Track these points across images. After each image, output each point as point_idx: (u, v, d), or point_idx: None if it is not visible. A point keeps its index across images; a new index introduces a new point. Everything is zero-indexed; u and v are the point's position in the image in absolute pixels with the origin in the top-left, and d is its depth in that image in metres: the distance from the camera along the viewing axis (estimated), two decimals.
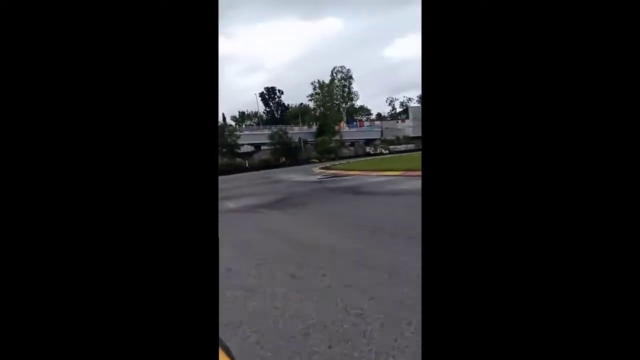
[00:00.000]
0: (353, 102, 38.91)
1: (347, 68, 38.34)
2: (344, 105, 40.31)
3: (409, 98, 57.54)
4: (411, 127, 38.65)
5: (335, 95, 37.99)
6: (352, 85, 38.95)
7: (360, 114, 46.90)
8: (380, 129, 39.18)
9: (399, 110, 54.76)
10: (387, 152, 33.62)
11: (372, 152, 34.07)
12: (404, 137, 37.20)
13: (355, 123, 40.06)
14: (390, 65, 67.89)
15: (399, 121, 42.04)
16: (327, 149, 30.76)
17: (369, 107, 50.17)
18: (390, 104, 58.09)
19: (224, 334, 1.22)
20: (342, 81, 39.83)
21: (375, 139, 37.39)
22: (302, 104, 42.45)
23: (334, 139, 32.49)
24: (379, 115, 53.61)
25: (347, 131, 36.04)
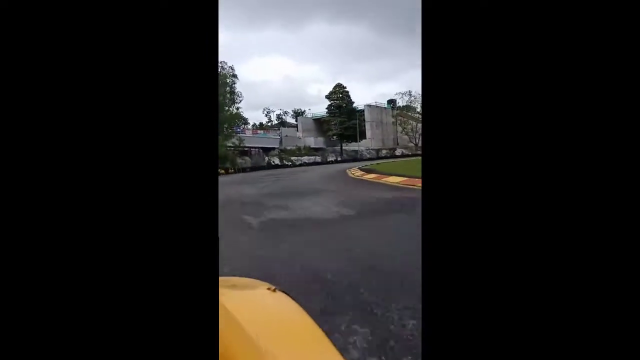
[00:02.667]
0: (238, 104, 31.84)
1: (229, 64, 30.83)
2: (226, 108, 32.64)
3: (285, 111, 56.15)
4: (313, 139, 35.57)
5: (223, 93, 29.89)
6: (235, 85, 31.87)
7: (236, 122, 40.25)
8: (279, 137, 33.81)
9: (275, 122, 52.13)
10: (290, 163, 28.74)
11: (275, 164, 28.20)
12: (305, 147, 33.45)
13: (239, 129, 33.14)
14: (247, 83, 65.59)
15: (298, 130, 38.08)
16: (221, 156, 22.70)
17: (245, 116, 44.52)
18: (267, 115, 54.63)
19: None
20: (225, 79, 32.19)
21: (274, 148, 31.74)
22: None
23: (229, 144, 24.65)
24: (260, 124, 48.98)
25: (245, 136, 28.81)
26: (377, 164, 18.19)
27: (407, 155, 33.30)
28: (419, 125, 39.68)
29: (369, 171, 11.76)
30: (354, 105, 36.38)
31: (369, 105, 38.16)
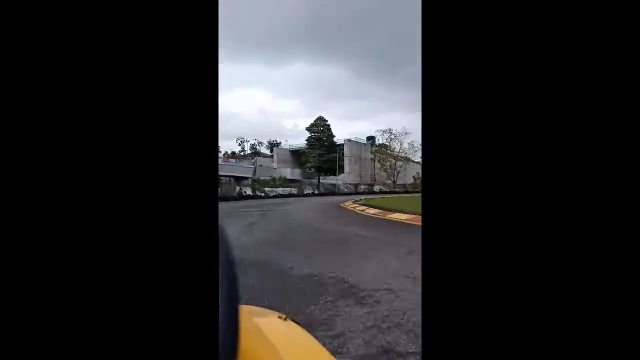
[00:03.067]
0: None
1: None
2: None
3: (260, 141, 54.30)
4: (289, 170, 33.44)
5: None
6: None
7: None
8: (253, 167, 31.23)
9: (248, 151, 49.90)
10: (263, 194, 26.12)
11: (247, 194, 25.36)
12: (280, 178, 31.08)
13: None
14: (224, 114, 63.95)
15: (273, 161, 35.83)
16: None
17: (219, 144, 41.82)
18: (240, 144, 52.24)
19: None
20: None
21: (247, 177, 28.98)
22: None
23: None
24: (233, 153, 46.29)
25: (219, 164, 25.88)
26: (366, 199, 16.32)
27: (386, 192, 32.19)
28: (398, 163, 39.40)
29: (381, 209, 9.47)
30: (334, 139, 35.26)
31: (349, 140, 37.32)
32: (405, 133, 46.66)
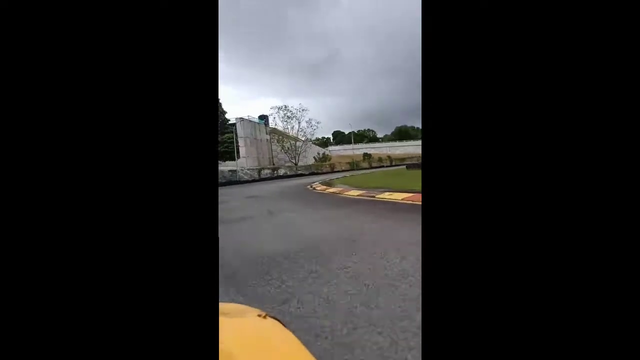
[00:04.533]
0: None
1: None
2: None
3: None
4: None
5: None
6: None
7: None
8: None
9: None
10: None
11: None
12: None
13: None
14: None
15: None
16: None
17: None
18: None
19: None
20: None
21: None
22: None
23: None
24: None
25: None
26: (324, 180, 12.99)
27: (290, 176, 29.44)
28: (298, 143, 36.90)
29: (363, 189, 5.91)
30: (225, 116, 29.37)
31: (242, 119, 32.11)
32: (303, 110, 44.39)
